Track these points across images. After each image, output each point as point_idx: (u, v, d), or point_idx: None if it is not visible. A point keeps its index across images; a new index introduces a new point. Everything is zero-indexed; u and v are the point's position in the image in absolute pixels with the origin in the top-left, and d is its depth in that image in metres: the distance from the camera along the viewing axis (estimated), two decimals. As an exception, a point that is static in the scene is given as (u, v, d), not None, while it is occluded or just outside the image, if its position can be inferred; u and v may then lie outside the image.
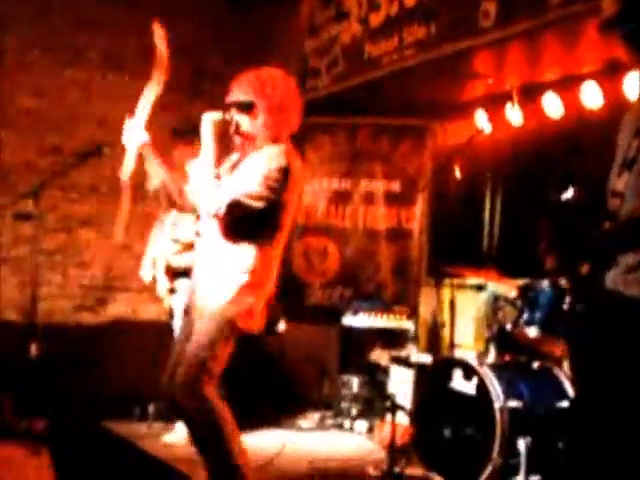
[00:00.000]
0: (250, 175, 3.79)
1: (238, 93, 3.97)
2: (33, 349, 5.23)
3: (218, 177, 3.81)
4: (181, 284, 5.75)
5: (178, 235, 5.68)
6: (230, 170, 3.97)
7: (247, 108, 3.91)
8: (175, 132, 5.82)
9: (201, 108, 6.97)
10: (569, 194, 2.59)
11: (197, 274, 4.05)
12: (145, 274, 5.94)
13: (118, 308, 7.23)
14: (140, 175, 4.28)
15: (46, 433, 5.06)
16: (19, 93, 6.93)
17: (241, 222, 3.80)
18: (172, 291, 5.78)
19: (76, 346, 6.56)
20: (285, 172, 3.78)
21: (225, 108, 3.98)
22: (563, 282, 2.88)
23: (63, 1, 7.08)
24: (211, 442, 3.84)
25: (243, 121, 3.93)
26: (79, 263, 7.18)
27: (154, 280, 5.89)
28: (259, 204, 3.74)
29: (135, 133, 4.14)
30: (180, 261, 5.71)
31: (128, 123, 4.18)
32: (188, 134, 5.78)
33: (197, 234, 4.19)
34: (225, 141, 3.99)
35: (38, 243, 5.63)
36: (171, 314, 5.81)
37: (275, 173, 3.76)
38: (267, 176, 3.75)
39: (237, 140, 3.99)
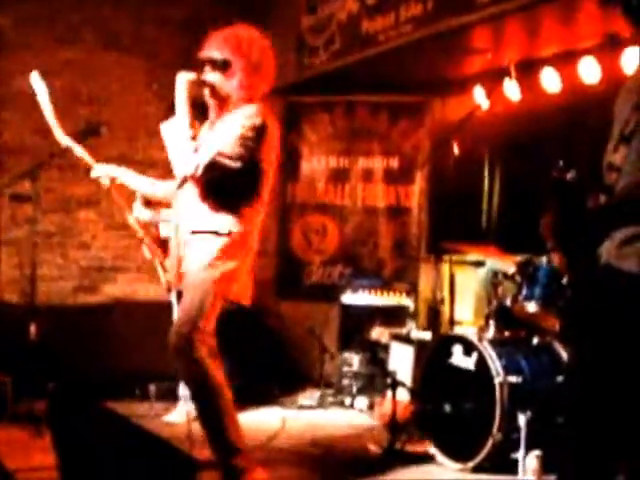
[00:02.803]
0: (226, 135, 3.75)
1: (213, 50, 3.89)
2: (33, 330, 5.23)
3: (194, 138, 3.76)
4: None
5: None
6: (207, 131, 3.93)
7: (222, 66, 3.85)
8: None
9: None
10: (572, 174, 2.58)
11: (179, 238, 4.01)
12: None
13: (117, 288, 7.23)
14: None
15: (47, 414, 5.05)
16: (16, 73, 6.88)
17: (218, 184, 3.77)
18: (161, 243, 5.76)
19: (76, 327, 6.57)
20: (260, 131, 3.75)
21: (199, 65, 3.90)
22: (555, 258, 2.86)
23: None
24: (204, 404, 3.89)
25: (217, 80, 3.87)
26: (78, 244, 7.17)
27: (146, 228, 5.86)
28: (236, 164, 3.71)
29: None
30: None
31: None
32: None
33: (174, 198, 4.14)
34: (200, 101, 3.94)
35: (36, 224, 5.62)
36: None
37: (250, 132, 3.73)
38: (243, 135, 3.72)
39: (212, 101, 3.93)
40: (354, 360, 6.39)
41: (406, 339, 5.95)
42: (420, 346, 5.64)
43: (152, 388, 6.15)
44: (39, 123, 6.94)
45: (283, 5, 7.48)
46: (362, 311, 6.68)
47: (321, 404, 6.31)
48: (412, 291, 6.64)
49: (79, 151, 4.49)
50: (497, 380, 4.47)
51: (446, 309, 5.82)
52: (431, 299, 5.89)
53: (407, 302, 6.49)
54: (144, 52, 7.41)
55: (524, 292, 4.75)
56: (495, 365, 4.52)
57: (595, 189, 2.56)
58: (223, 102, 3.92)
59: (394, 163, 7.38)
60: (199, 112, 4.03)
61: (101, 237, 7.25)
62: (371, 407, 6.09)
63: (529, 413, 4.32)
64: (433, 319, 5.87)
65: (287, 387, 6.60)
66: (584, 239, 2.53)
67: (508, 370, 4.53)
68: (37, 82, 4.47)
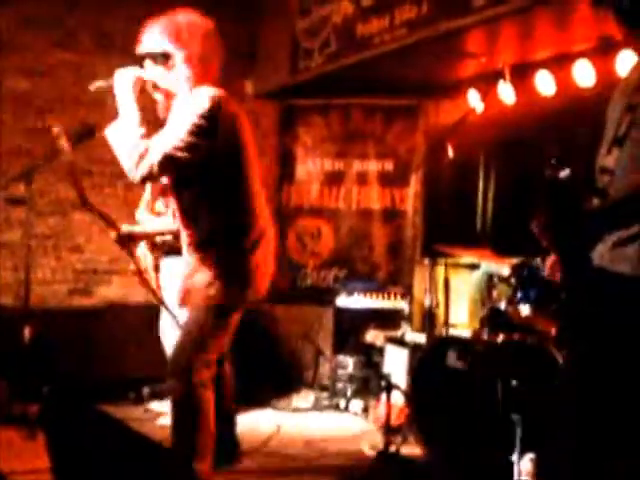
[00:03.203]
0: (176, 126, 3.41)
1: (151, 42, 3.58)
2: (27, 333, 5.22)
3: (146, 136, 3.42)
4: (166, 262, 5.75)
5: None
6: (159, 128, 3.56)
7: (162, 59, 3.53)
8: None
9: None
10: (565, 173, 2.58)
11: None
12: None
13: (112, 291, 7.22)
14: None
15: (41, 417, 5.05)
16: (10, 75, 6.88)
17: (187, 181, 3.50)
18: (157, 268, 5.78)
19: (70, 330, 6.55)
20: (211, 116, 3.40)
21: (138, 60, 3.62)
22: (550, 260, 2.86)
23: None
24: (182, 431, 3.77)
25: (159, 74, 3.55)
26: (72, 247, 7.16)
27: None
28: (191, 154, 3.37)
29: None
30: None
31: None
32: None
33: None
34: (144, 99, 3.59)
35: (31, 227, 5.60)
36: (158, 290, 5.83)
37: (202, 119, 3.38)
38: (194, 123, 3.37)
39: (157, 97, 3.61)
40: (349, 363, 6.39)
41: (401, 342, 5.94)
42: (415, 349, 5.64)
43: (146, 391, 6.15)
44: (33, 125, 6.99)
45: (277, 8, 7.48)
46: (357, 314, 6.67)
47: (316, 407, 6.30)
48: (407, 294, 6.64)
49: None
50: (492, 383, 4.47)
51: (441, 312, 5.82)
52: (426, 302, 5.88)
53: (402, 305, 6.49)
54: (137, 56, 7.39)
55: (519, 295, 4.74)
56: (490, 368, 4.52)
57: (588, 192, 2.57)
58: (170, 96, 3.59)
59: (389, 166, 7.38)
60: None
61: (95, 240, 7.23)
62: (366, 410, 6.08)
63: (524, 415, 4.32)
64: (428, 322, 5.86)
65: (282, 390, 6.60)
66: (577, 240, 2.53)
67: (502, 373, 4.52)
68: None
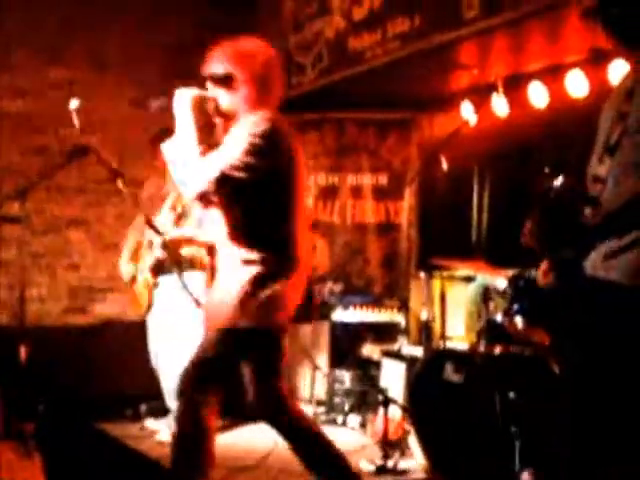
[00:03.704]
0: (232, 146, 3.48)
1: (214, 65, 3.66)
2: (22, 352, 5.20)
3: (203, 154, 3.49)
4: (165, 279, 5.76)
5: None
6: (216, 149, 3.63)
7: (225, 81, 3.60)
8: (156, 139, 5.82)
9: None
10: (559, 182, 2.58)
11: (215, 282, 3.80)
12: (125, 272, 5.95)
13: (107, 309, 7.21)
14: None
15: (37, 435, 5.03)
16: (4, 94, 6.89)
17: (237, 200, 3.52)
18: (155, 285, 5.79)
19: (66, 348, 6.54)
20: (268, 138, 3.47)
21: (201, 82, 3.69)
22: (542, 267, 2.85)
23: (47, 1, 7.05)
24: (182, 453, 3.69)
25: (221, 96, 3.63)
26: (68, 265, 7.16)
27: (133, 279, 5.90)
28: (246, 174, 3.43)
29: None
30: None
31: None
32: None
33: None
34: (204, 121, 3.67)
35: (26, 245, 5.60)
36: (149, 308, 5.83)
37: (259, 140, 3.45)
38: (250, 143, 3.44)
39: (217, 119, 3.70)
40: (345, 377, 6.37)
41: (398, 356, 5.93)
42: (412, 362, 5.63)
43: (143, 408, 6.14)
44: (27, 144, 7.00)
45: (269, 24, 7.50)
46: (353, 328, 6.66)
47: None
48: (403, 307, 6.62)
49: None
50: (489, 396, 4.46)
51: (437, 325, 5.81)
52: (422, 315, 5.88)
53: (398, 318, 6.47)
54: (131, 73, 7.41)
55: (515, 307, 4.74)
56: (487, 381, 4.50)
57: (581, 200, 2.57)
58: (229, 119, 3.66)
59: (383, 179, 7.39)
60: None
61: (90, 258, 7.23)
62: (363, 425, 6.06)
63: (522, 428, 4.30)
64: (424, 335, 5.85)
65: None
66: (571, 249, 2.53)
67: (500, 386, 4.51)
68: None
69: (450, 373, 4.75)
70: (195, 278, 5.83)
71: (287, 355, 3.78)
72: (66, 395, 6.08)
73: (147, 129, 7.29)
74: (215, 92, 3.66)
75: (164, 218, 5.79)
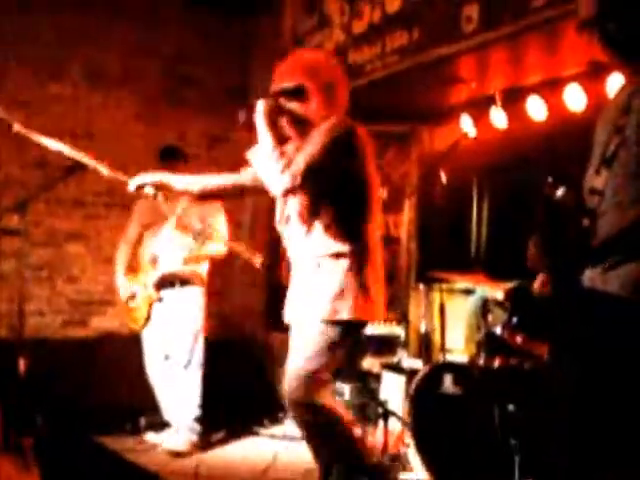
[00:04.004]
0: (312, 146, 3.61)
1: (284, 80, 3.81)
2: (21, 365, 5.19)
3: (283, 154, 3.60)
4: (168, 294, 5.77)
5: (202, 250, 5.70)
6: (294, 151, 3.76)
7: (297, 93, 3.75)
8: (161, 158, 5.86)
9: (184, 116, 7.02)
10: (561, 192, 2.59)
11: (294, 283, 3.89)
12: (122, 287, 5.95)
13: (106, 322, 7.21)
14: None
15: (36, 449, 5.02)
16: (4, 108, 6.89)
17: (324, 201, 3.68)
18: (160, 300, 5.80)
19: (65, 361, 6.54)
20: (347, 137, 3.65)
21: (272, 99, 3.79)
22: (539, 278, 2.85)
23: (45, 14, 7.07)
24: (336, 448, 3.79)
25: (295, 107, 3.76)
26: (67, 277, 7.16)
27: (132, 296, 5.89)
28: (327, 168, 3.59)
29: None
30: (182, 269, 5.75)
31: None
32: (174, 155, 5.85)
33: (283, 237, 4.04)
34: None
35: (25, 258, 5.60)
36: (146, 323, 5.83)
37: (337, 135, 3.62)
38: (331, 138, 3.60)
39: (290, 130, 3.81)
40: (345, 390, 6.35)
41: (397, 368, 5.92)
42: (412, 375, 5.62)
43: (142, 421, 6.13)
44: (26, 156, 7.00)
45: (269, 37, 7.53)
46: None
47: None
48: (402, 320, 6.61)
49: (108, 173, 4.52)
50: (489, 408, 4.45)
51: (437, 337, 5.81)
52: (422, 328, 5.87)
53: (398, 331, 6.46)
54: (131, 87, 7.43)
55: (514, 319, 4.73)
56: (487, 393, 4.50)
57: (579, 212, 2.57)
58: (304, 129, 3.78)
59: (382, 193, 7.38)
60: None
61: (90, 271, 7.24)
62: (363, 437, 6.05)
63: (522, 440, 4.30)
64: (424, 348, 5.85)
65: (277, 418, 6.56)
66: (569, 261, 2.53)
67: (500, 398, 4.51)
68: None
69: (449, 386, 4.75)
70: (194, 293, 5.85)
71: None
72: (65, 408, 6.07)
73: (147, 142, 7.34)
74: (288, 105, 3.77)
75: (169, 234, 5.79)
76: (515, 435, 4.33)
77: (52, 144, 4.61)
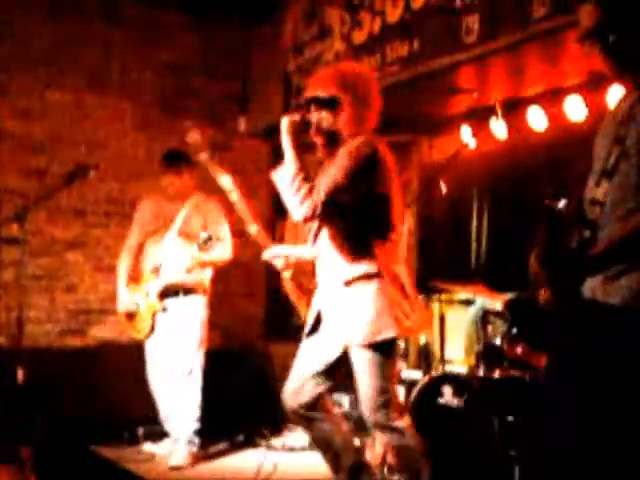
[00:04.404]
0: (337, 169, 3.64)
1: (319, 89, 3.82)
2: (20, 374, 5.18)
3: (306, 179, 3.63)
4: (171, 303, 5.75)
5: (200, 255, 5.67)
6: (320, 171, 3.83)
7: (329, 104, 3.76)
8: (164, 162, 5.84)
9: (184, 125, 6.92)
10: (562, 204, 2.58)
11: (321, 303, 3.97)
12: (122, 304, 5.91)
13: (105, 331, 7.19)
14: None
15: (33, 459, 5.00)
16: (4, 115, 6.90)
17: (348, 222, 3.70)
18: (164, 310, 5.77)
19: (64, 370, 6.52)
20: (370, 161, 3.65)
21: (304, 105, 3.85)
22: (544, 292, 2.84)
23: (45, 21, 7.07)
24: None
25: (324, 118, 3.79)
26: (65, 287, 7.14)
27: (130, 312, 5.87)
28: (350, 196, 3.61)
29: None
30: (185, 278, 5.72)
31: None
32: (177, 163, 5.83)
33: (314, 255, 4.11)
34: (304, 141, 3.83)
35: (24, 267, 5.59)
36: (150, 332, 5.80)
37: (360, 162, 3.63)
38: (355, 166, 3.62)
39: (317, 140, 3.85)
40: (344, 401, 6.34)
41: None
42: (411, 386, 5.60)
43: (140, 431, 6.11)
44: (25, 165, 7.00)
45: (269, 47, 7.53)
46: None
47: (311, 446, 6.23)
48: (402, 330, 6.59)
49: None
50: (489, 420, 4.44)
51: (436, 348, 5.79)
52: (421, 338, 5.85)
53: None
54: (130, 94, 7.43)
55: (514, 330, 4.73)
56: (486, 404, 4.49)
57: (578, 224, 2.57)
58: (330, 140, 3.82)
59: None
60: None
61: (88, 280, 7.22)
62: (362, 448, 6.03)
63: (522, 451, 4.29)
64: (424, 359, 5.83)
65: (277, 429, 6.54)
66: (570, 272, 2.53)
67: (499, 409, 4.50)
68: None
69: (449, 397, 4.74)
70: (197, 303, 5.81)
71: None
72: (63, 417, 6.06)
73: (148, 149, 7.34)
74: (318, 114, 3.79)
75: (172, 242, 5.77)
76: (515, 446, 4.32)
77: (227, 184, 4.71)
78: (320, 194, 3.57)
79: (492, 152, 6.31)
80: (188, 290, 5.78)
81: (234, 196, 4.87)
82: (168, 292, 5.76)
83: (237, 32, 7.76)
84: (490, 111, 6.05)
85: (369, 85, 3.86)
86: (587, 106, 5.47)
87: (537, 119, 5.85)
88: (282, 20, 7.35)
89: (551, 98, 5.80)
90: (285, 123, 3.73)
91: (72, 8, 7.17)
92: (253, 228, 4.83)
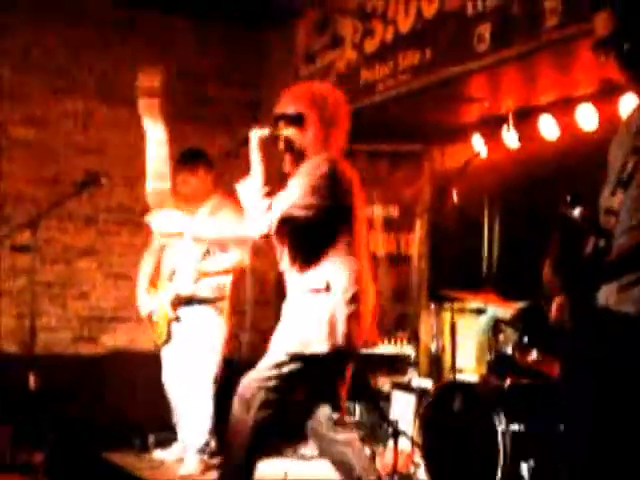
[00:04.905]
0: (295, 186, 3.72)
1: (288, 105, 3.88)
2: (32, 381, 5.20)
3: (270, 195, 3.71)
4: (184, 312, 5.73)
5: (206, 266, 5.66)
6: (283, 187, 3.86)
7: (297, 121, 3.82)
8: (180, 160, 5.82)
9: (201, 132, 7.00)
10: (577, 213, 2.58)
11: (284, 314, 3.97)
12: (143, 307, 5.90)
13: (117, 339, 7.20)
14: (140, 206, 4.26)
15: (45, 465, 5.01)
16: (15, 123, 6.93)
17: (305, 240, 3.75)
18: (177, 320, 5.74)
19: (75, 377, 6.53)
20: (330, 178, 3.70)
21: (273, 122, 3.89)
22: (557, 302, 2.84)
23: (59, 29, 7.10)
24: None
25: (292, 134, 3.84)
26: (78, 294, 7.16)
27: (151, 314, 5.86)
28: (307, 212, 3.67)
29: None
30: (197, 290, 5.70)
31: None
32: (190, 161, 5.80)
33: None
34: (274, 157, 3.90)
35: (36, 274, 5.61)
36: (167, 340, 5.78)
37: (320, 180, 3.68)
38: (312, 184, 3.67)
39: (287, 156, 3.90)
40: (355, 409, 6.34)
41: (408, 387, 5.90)
42: (422, 394, 5.60)
43: (151, 439, 6.11)
44: (39, 172, 7.03)
45: (282, 55, 7.55)
46: (363, 360, 6.63)
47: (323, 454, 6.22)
48: (413, 339, 6.60)
49: None
50: (499, 429, 4.43)
51: (448, 357, 5.79)
52: (432, 347, 5.86)
53: (408, 350, 6.45)
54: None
55: (525, 339, 4.72)
56: (497, 413, 4.48)
57: (594, 233, 2.56)
58: (298, 157, 3.87)
59: (394, 211, 7.38)
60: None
61: (100, 287, 7.24)
62: (373, 457, 6.01)
63: (532, 462, 4.28)
64: (435, 367, 5.83)
65: (288, 437, 6.52)
66: (584, 280, 2.52)
67: (510, 418, 4.49)
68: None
69: (460, 406, 4.73)
70: (211, 311, 5.77)
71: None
72: (75, 424, 6.07)
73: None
74: (287, 130, 3.86)
75: (187, 247, 5.76)
76: (525, 455, 4.31)
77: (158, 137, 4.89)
78: (277, 212, 3.65)
79: (503, 161, 6.31)
80: (202, 299, 5.73)
81: (160, 152, 4.81)
82: (181, 302, 5.72)
83: (250, 40, 7.79)
84: (502, 120, 6.06)
85: (338, 105, 3.91)
86: (599, 115, 5.46)
87: (549, 128, 5.85)
88: (294, 29, 7.36)
89: (563, 107, 5.79)
90: (254, 137, 3.81)
91: (85, 17, 7.19)
92: (153, 185, 4.76)
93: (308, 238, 3.76)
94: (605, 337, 2.54)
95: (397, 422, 5.20)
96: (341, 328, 3.70)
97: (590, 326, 2.57)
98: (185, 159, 5.80)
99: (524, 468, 4.29)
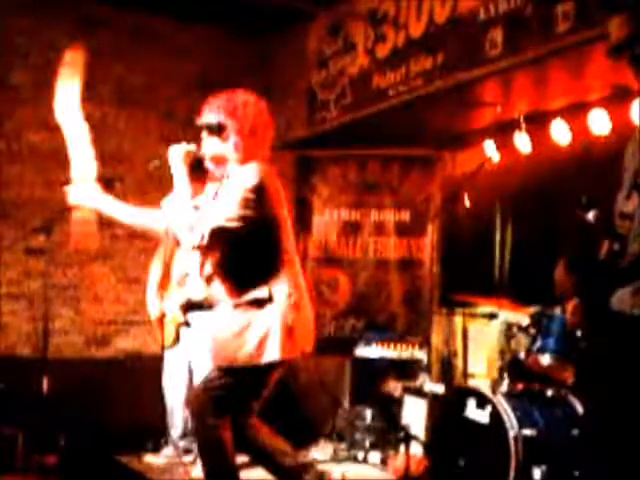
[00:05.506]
0: (226, 199, 3.75)
1: (209, 115, 3.92)
2: (45, 384, 5.22)
3: (197, 208, 3.75)
4: (194, 316, 5.74)
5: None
6: (208, 197, 3.93)
7: (217, 130, 3.86)
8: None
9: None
10: (591, 215, 2.59)
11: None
12: (152, 310, 5.92)
13: (130, 342, 7.22)
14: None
15: (58, 468, 5.04)
16: (29, 128, 6.96)
17: (238, 249, 3.76)
18: (187, 325, 5.76)
19: (88, 381, 6.55)
20: (259, 191, 3.72)
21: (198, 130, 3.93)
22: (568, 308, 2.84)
23: (73, 35, 7.13)
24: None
25: (214, 144, 3.89)
26: (91, 298, 7.18)
27: (162, 316, 5.87)
28: (239, 224, 3.68)
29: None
30: (208, 295, 5.70)
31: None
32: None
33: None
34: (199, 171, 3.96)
35: (50, 278, 5.63)
36: (174, 343, 5.80)
37: (249, 193, 3.70)
38: (242, 197, 3.69)
39: (211, 167, 3.95)
40: (367, 414, 6.34)
41: (419, 392, 5.90)
42: (433, 399, 5.60)
43: (163, 441, 6.12)
44: (53, 176, 7.05)
45: (293, 60, 7.57)
46: (375, 364, 6.64)
47: (334, 458, 6.24)
48: (425, 344, 6.60)
49: None
50: (511, 433, 4.43)
51: (459, 362, 5.80)
52: (444, 352, 5.86)
53: (420, 355, 6.45)
54: (157, 108, 7.49)
55: (538, 344, 4.72)
56: (509, 418, 4.48)
57: (607, 237, 2.57)
58: (221, 165, 3.92)
59: (406, 216, 7.39)
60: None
61: (113, 291, 7.26)
62: (384, 461, 6.02)
63: (544, 467, 4.27)
64: (446, 372, 5.83)
65: (299, 441, 6.53)
66: (599, 283, 2.53)
67: (522, 423, 4.49)
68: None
69: (472, 411, 4.73)
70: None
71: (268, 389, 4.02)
72: (88, 427, 6.09)
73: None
74: (209, 140, 3.91)
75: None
76: (537, 461, 4.31)
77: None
78: (208, 224, 3.67)
79: (516, 166, 6.31)
80: (213, 305, 5.73)
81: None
82: (190, 306, 5.74)
83: (262, 45, 7.80)
84: (514, 125, 6.06)
85: (258, 115, 3.92)
86: (611, 120, 5.46)
87: (561, 133, 5.85)
88: (306, 34, 7.38)
89: (575, 112, 5.79)
90: (174, 152, 3.85)
91: (100, 23, 7.23)
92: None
93: (241, 249, 3.77)
94: (619, 340, 2.54)
95: (408, 427, 5.20)
96: (277, 340, 3.72)
97: (604, 329, 2.58)
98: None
99: (537, 473, 4.28)
